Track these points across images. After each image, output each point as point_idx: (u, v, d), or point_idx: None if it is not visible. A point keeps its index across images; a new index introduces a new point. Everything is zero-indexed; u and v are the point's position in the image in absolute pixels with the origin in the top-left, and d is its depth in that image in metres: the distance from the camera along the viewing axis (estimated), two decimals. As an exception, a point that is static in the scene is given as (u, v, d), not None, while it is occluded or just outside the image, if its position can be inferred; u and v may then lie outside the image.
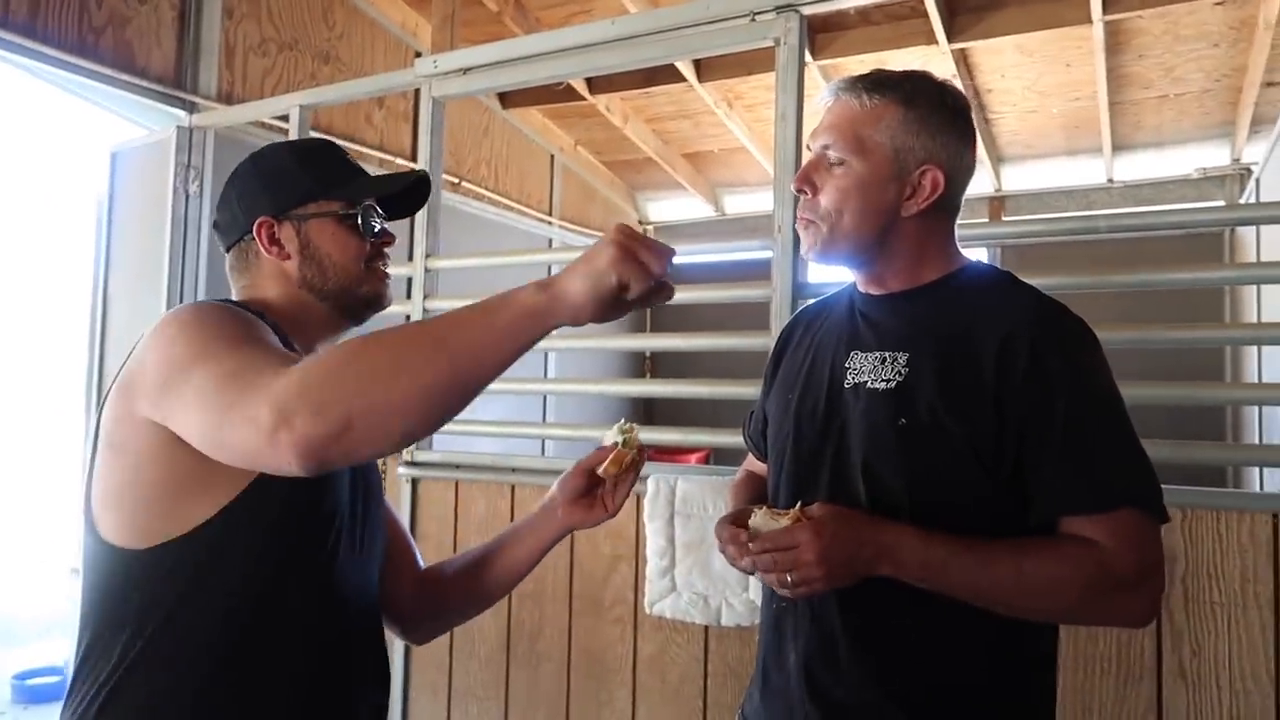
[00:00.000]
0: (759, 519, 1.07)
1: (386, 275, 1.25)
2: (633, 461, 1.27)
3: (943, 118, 1.16)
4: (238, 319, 1.03)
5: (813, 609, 1.17)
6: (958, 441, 1.08)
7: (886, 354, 1.17)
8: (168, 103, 3.51)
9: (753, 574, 1.10)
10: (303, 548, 1.09)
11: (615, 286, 0.90)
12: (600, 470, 1.26)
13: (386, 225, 1.26)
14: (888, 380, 1.14)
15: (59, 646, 4.32)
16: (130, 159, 3.62)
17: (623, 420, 1.28)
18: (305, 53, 4.06)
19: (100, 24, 3.29)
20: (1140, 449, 1.09)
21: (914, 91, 1.16)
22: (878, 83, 1.16)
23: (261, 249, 1.19)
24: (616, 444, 1.27)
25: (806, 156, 1.24)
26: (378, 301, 1.24)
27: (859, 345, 1.21)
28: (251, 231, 1.18)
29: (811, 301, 1.52)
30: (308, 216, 1.19)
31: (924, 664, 1.11)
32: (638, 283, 0.90)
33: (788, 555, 1.01)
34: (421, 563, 1.42)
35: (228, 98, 3.68)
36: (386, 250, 1.26)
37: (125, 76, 3.35)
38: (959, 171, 1.19)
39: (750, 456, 1.53)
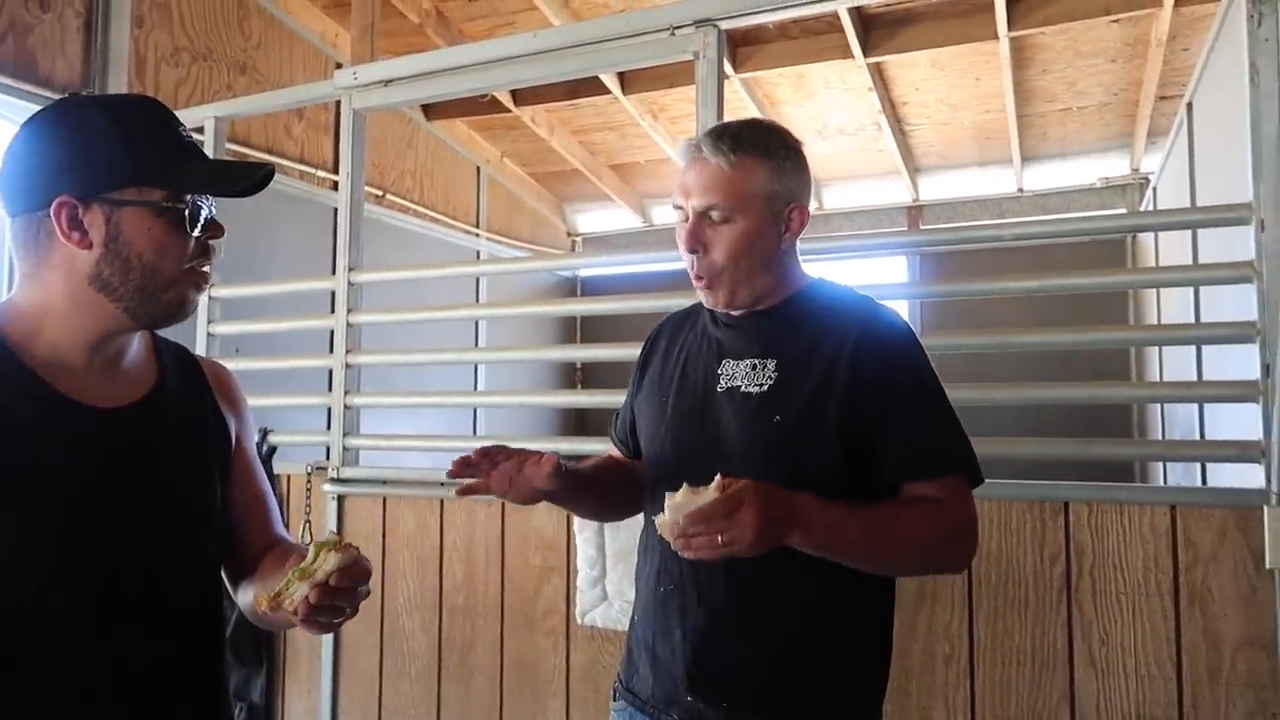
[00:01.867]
0: (681, 496, 1.10)
1: (206, 279, 1.08)
2: (310, 605, 0.96)
3: (794, 160, 1.32)
4: None
5: (700, 591, 1.29)
6: (824, 431, 1.25)
7: (756, 361, 1.32)
8: (74, 114, 3.39)
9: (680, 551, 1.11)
10: None
11: None
12: (257, 607, 1.02)
13: (215, 208, 1.07)
14: (760, 385, 1.29)
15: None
16: (34, 172, 3.48)
17: (331, 532, 1.07)
18: (220, 63, 3.96)
19: (-1, 32, 3.17)
20: (959, 425, 1.29)
21: (768, 143, 1.30)
22: (737, 140, 1.28)
23: (58, 232, 0.99)
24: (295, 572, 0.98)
25: (677, 214, 1.33)
26: (181, 310, 1.06)
27: (728, 354, 1.35)
28: (48, 210, 0.99)
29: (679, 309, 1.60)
30: (123, 203, 1.00)
31: (797, 633, 1.27)
32: None
33: (729, 519, 1.06)
34: (278, 532, 1.24)
35: (138, 109, 3.57)
36: (214, 244, 1.07)
37: (26, 86, 3.23)
38: (808, 200, 1.35)
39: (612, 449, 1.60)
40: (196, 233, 1.04)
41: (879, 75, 4.49)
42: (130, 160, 1.00)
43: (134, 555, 1.03)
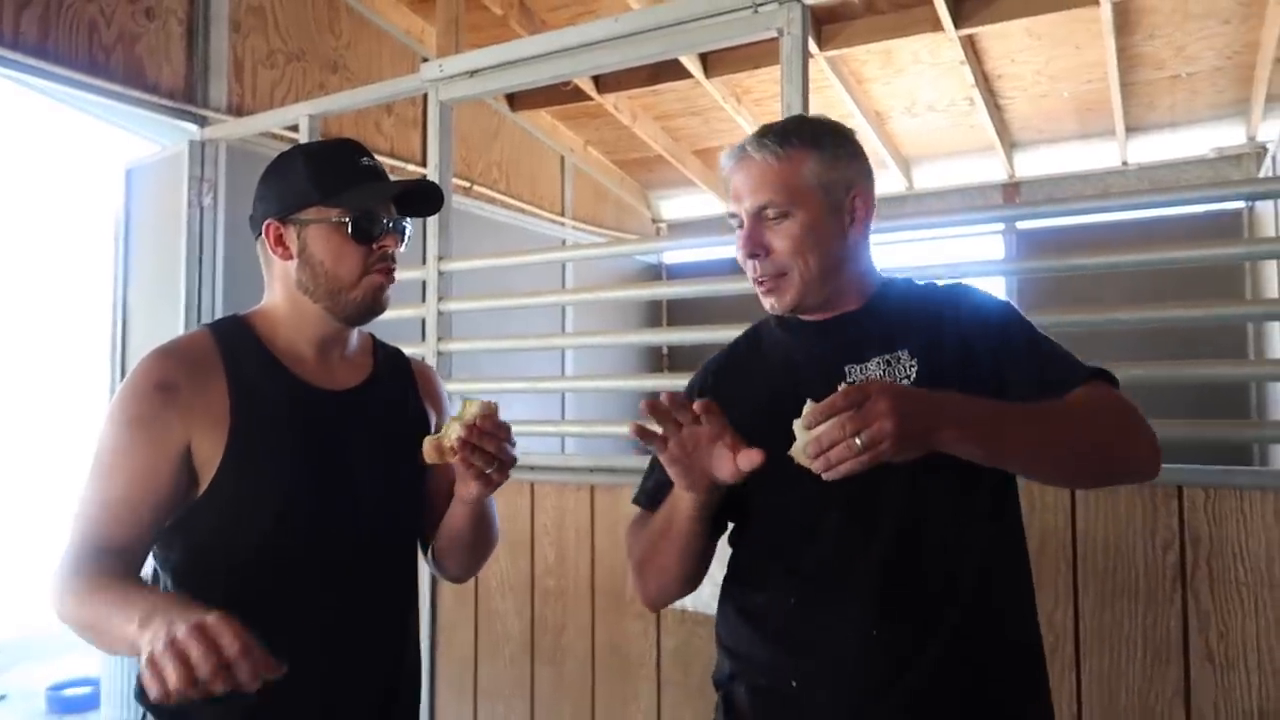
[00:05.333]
0: (806, 410, 0.97)
1: (383, 283, 1.28)
2: (464, 441, 1.17)
3: (847, 146, 1.26)
4: (127, 419, 1.19)
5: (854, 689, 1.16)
6: None
7: (887, 356, 1.22)
8: (179, 117, 3.54)
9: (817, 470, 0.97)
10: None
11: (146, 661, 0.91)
12: (426, 458, 1.21)
13: (405, 224, 1.31)
14: (907, 377, 1.19)
15: (89, 659, 4.38)
16: (145, 175, 3.66)
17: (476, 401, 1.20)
18: (313, 63, 4.09)
19: (110, 42, 3.33)
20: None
21: (815, 132, 1.24)
22: (783, 134, 1.23)
23: (270, 248, 1.28)
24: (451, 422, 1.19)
25: (733, 224, 1.27)
26: (369, 308, 1.29)
27: (846, 358, 1.23)
28: (262, 232, 1.29)
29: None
30: (307, 222, 1.26)
31: None
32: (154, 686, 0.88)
33: (861, 413, 0.93)
34: None
35: (238, 110, 3.72)
36: (389, 253, 1.28)
37: (136, 93, 3.39)
38: (871, 187, 1.28)
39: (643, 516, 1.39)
40: (367, 242, 1.26)
41: (971, 48, 4.33)
42: (313, 187, 1.25)
43: (337, 496, 1.27)
